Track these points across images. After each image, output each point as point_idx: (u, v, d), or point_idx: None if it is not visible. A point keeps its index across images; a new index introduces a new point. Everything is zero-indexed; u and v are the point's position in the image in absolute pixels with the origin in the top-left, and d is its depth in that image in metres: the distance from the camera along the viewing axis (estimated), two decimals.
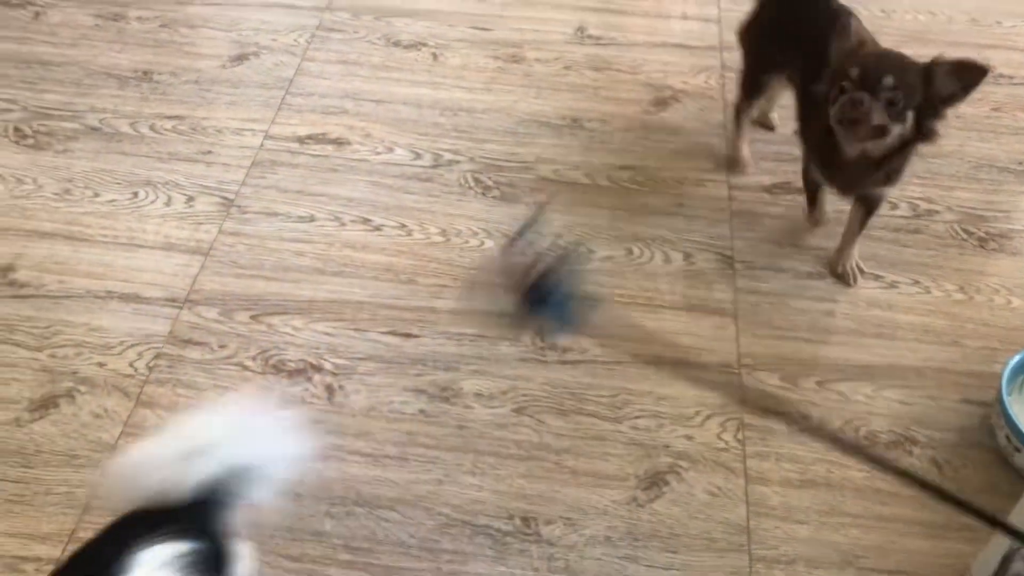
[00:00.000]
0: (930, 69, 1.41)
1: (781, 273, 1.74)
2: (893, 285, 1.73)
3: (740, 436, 1.49)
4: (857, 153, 1.51)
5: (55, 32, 2.20)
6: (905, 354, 1.61)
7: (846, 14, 1.60)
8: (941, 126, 1.46)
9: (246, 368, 1.54)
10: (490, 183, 1.89)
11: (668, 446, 1.47)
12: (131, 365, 1.54)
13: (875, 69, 1.40)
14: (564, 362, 1.57)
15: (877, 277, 1.74)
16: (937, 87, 1.41)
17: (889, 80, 1.39)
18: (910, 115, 1.43)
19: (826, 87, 1.48)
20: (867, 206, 1.67)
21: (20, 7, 2.27)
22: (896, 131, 1.44)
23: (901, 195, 1.89)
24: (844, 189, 1.65)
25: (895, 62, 1.45)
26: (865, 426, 1.51)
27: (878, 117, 1.41)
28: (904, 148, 1.50)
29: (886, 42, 1.57)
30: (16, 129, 1.95)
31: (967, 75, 1.39)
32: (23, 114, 1.98)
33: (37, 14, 2.26)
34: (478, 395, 1.52)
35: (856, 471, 1.45)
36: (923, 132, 1.46)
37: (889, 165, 1.53)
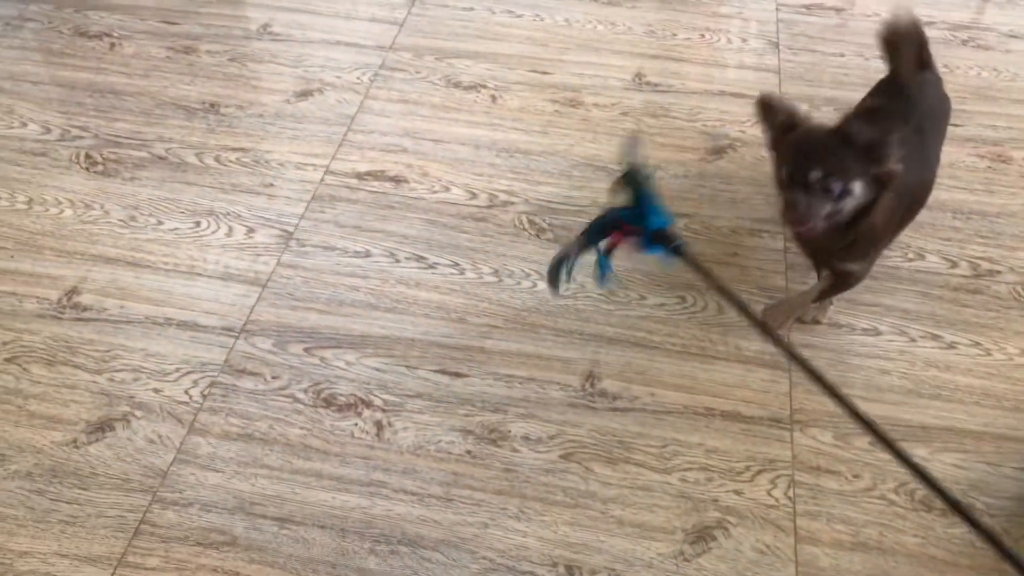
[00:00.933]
0: (842, 132, 1.40)
1: (836, 328, 1.71)
2: (952, 346, 1.69)
3: (791, 494, 1.46)
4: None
5: (128, 63, 2.28)
6: (963, 418, 1.58)
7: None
8: (893, 164, 1.40)
9: (297, 400, 1.56)
10: (544, 225, 1.90)
11: (717, 500, 1.45)
12: (186, 392, 1.56)
13: (802, 165, 1.38)
14: (614, 409, 1.56)
15: (935, 337, 1.71)
16: (858, 142, 1.39)
17: (816, 173, 1.37)
18: (858, 185, 1.39)
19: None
20: (837, 279, 1.63)
21: (97, 38, 2.36)
22: (849, 206, 1.41)
23: (961, 253, 1.86)
24: (814, 258, 1.65)
25: (819, 147, 1.40)
26: (921, 489, 1.47)
27: (818, 210, 1.39)
28: (864, 214, 1.45)
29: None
30: (87, 156, 2.01)
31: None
32: (94, 141, 2.05)
33: (113, 45, 2.34)
34: (525, 438, 1.52)
35: (910, 536, 1.42)
36: (880, 183, 1.42)
37: (854, 232, 1.48)
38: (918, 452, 1.52)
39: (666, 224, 1.23)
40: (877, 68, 2.36)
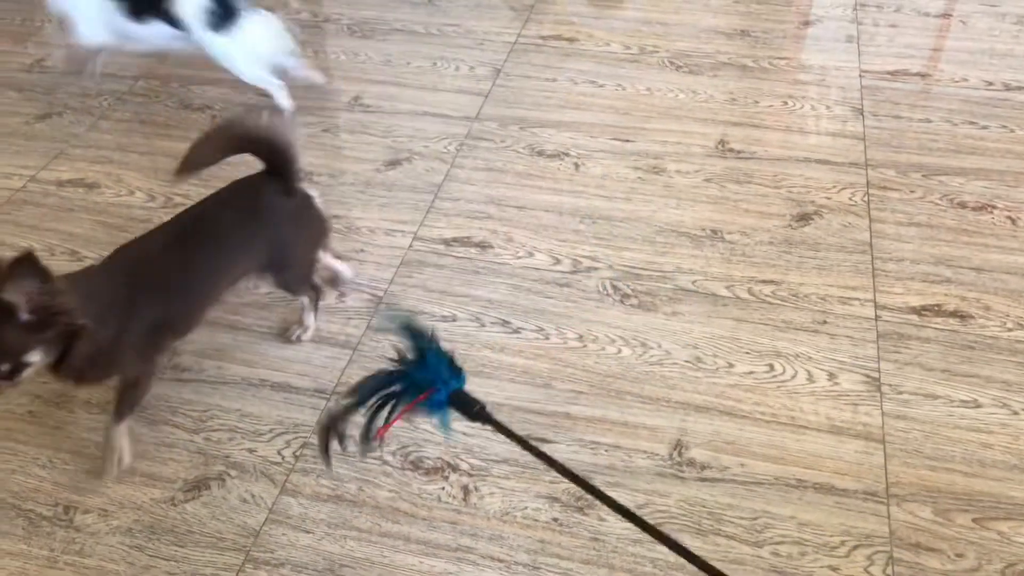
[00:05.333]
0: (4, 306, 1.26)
1: (933, 399, 1.66)
2: None
3: (889, 571, 1.41)
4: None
5: None
6: None
7: None
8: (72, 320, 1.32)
9: (386, 463, 1.58)
10: (628, 291, 1.91)
11: None
12: (279, 453, 1.60)
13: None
14: (703, 479, 1.54)
15: None
16: (17, 303, 1.26)
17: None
18: (34, 355, 1.31)
19: None
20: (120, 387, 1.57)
21: (200, 111, 2.49)
22: (28, 372, 1.33)
23: None
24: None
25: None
26: None
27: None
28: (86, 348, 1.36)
29: None
30: None
31: (19, 272, 1.25)
32: None
33: (213, 117, 2.46)
34: None
35: None
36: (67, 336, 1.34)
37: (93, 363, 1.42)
38: None
39: (462, 385, 1.09)
40: (965, 134, 2.34)
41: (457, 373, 1.11)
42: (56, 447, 1.61)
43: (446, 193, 2.18)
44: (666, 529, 1.47)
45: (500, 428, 1.09)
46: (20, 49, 2.81)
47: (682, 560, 1.41)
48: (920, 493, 1.52)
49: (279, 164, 1.60)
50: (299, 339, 1.80)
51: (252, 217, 1.60)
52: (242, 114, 1.65)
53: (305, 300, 1.78)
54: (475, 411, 1.09)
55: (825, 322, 1.82)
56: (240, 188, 1.63)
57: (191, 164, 1.53)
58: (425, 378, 1.09)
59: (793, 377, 1.71)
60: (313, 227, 1.73)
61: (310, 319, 1.80)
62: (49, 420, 1.66)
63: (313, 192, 1.69)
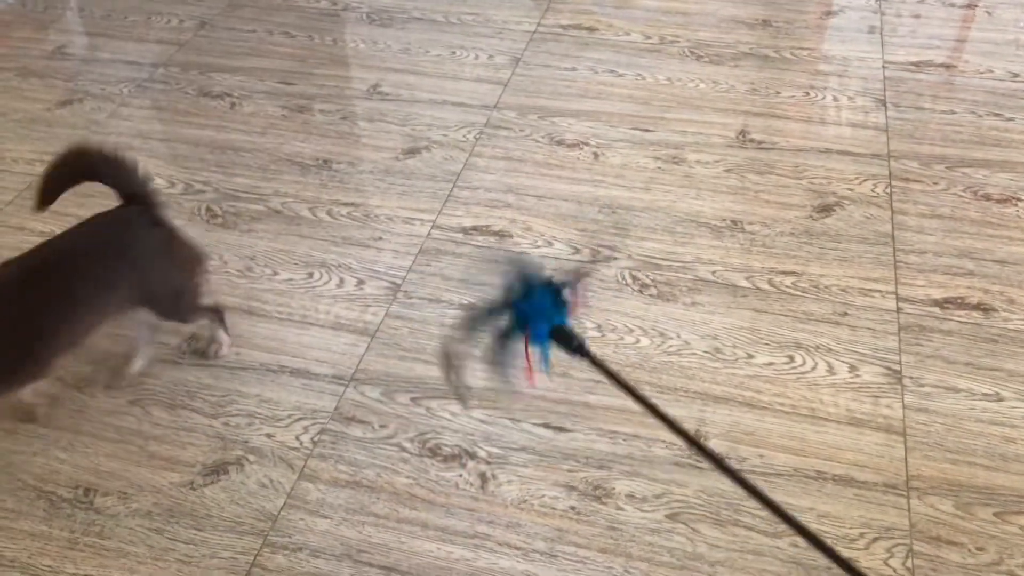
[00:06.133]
0: None
1: (955, 392, 1.65)
2: None
3: (909, 564, 1.40)
4: None
5: (247, 121, 2.40)
6: None
7: None
8: None
9: (404, 449, 1.58)
10: (648, 281, 1.90)
11: (831, 568, 1.39)
12: (297, 438, 1.60)
13: None
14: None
15: None
16: None
17: None
18: None
19: None
20: None
21: (219, 98, 2.49)
22: None
23: None
24: None
25: None
26: None
27: None
28: None
29: None
30: (208, 209, 2.12)
31: None
32: (215, 195, 2.15)
33: (233, 104, 2.47)
34: (630, 496, 1.50)
35: None
36: None
37: None
38: None
39: (564, 320, 1.07)
40: (990, 126, 2.31)
41: (560, 308, 1.08)
42: (77, 430, 1.63)
43: (465, 182, 2.17)
44: (684, 518, 1.47)
45: (598, 365, 1.07)
46: (41, 36, 2.83)
47: (700, 550, 1.42)
48: (941, 486, 1.51)
49: (135, 192, 1.55)
50: (216, 355, 1.74)
51: (117, 254, 1.52)
52: (88, 142, 1.57)
53: (206, 323, 1.73)
54: (574, 346, 1.07)
55: (846, 314, 1.81)
56: (103, 222, 1.55)
57: (46, 195, 1.49)
58: (529, 310, 1.07)
59: (813, 368, 1.70)
60: (183, 255, 1.64)
61: (221, 335, 1.74)
62: (70, 403, 1.68)
63: (176, 223, 1.63)
